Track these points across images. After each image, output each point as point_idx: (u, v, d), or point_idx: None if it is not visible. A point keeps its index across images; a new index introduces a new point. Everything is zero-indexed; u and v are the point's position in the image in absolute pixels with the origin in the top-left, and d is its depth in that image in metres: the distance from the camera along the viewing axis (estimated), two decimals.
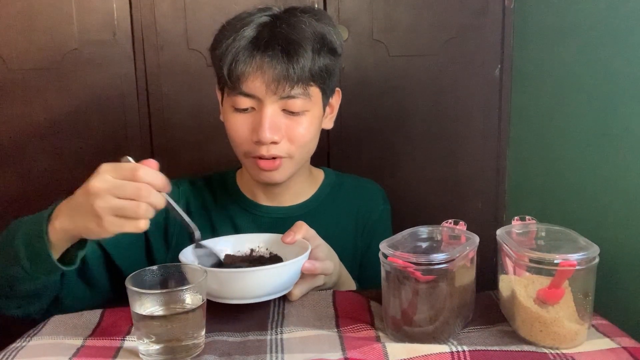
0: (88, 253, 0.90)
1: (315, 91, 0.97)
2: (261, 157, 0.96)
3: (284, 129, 0.96)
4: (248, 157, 0.99)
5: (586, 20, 1.17)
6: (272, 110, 0.94)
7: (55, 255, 0.81)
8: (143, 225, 0.76)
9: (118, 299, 0.92)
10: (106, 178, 0.74)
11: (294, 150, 0.98)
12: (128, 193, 0.74)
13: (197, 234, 0.86)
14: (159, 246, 1.03)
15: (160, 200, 0.76)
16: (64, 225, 0.79)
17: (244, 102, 0.95)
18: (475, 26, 1.46)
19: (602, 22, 1.12)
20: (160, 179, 0.76)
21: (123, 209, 0.74)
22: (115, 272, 0.99)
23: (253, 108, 0.96)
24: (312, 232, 0.91)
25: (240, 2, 1.39)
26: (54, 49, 1.40)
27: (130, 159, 0.79)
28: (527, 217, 0.83)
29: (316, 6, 1.42)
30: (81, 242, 0.83)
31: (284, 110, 0.96)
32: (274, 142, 0.95)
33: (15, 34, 1.39)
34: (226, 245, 0.94)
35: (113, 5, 1.40)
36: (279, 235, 0.91)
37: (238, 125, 0.97)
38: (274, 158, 0.97)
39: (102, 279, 0.98)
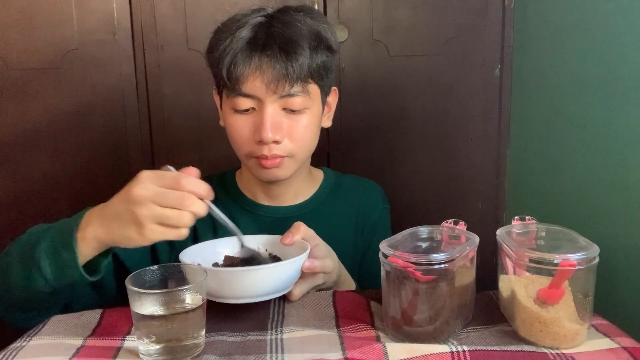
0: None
1: (314, 88, 0.98)
2: (263, 157, 0.97)
3: (285, 128, 0.96)
4: (250, 158, 0.99)
5: (586, 20, 1.17)
6: (272, 110, 0.95)
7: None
8: (184, 233, 0.76)
9: (124, 301, 0.92)
10: (148, 186, 0.74)
11: (295, 149, 0.98)
12: (171, 202, 0.74)
13: (241, 236, 0.88)
14: (164, 247, 1.03)
15: (202, 208, 0.76)
16: (97, 233, 0.78)
17: (244, 103, 0.95)
18: (475, 26, 1.46)
19: (602, 22, 1.12)
20: (203, 188, 0.76)
21: (167, 218, 0.74)
22: (121, 276, 0.98)
23: (253, 108, 0.96)
24: (311, 232, 0.91)
25: (240, 2, 1.39)
26: (54, 49, 1.40)
27: (171, 167, 0.78)
28: (527, 217, 0.83)
29: (316, 6, 1.42)
30: (104, 251, 0.82)
31: (284, 109, 0.96)
32: (276, 142, 0.95)
33: (15, 34, 1.39)
34: (225, 246, 0.94)
35: (113, 5, 1.40)
36: (279, 237, 0.91)
37: (239, 127, 0.97)
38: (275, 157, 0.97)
39: (111, 284, 0.97)
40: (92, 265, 0.82)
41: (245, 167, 1.05)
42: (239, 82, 0.94)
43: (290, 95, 0.94)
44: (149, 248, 1.03)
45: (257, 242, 0.96)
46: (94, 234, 0.78)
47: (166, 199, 0.74)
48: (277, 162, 0.97)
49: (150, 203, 0.73)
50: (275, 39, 0.93)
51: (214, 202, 1.08)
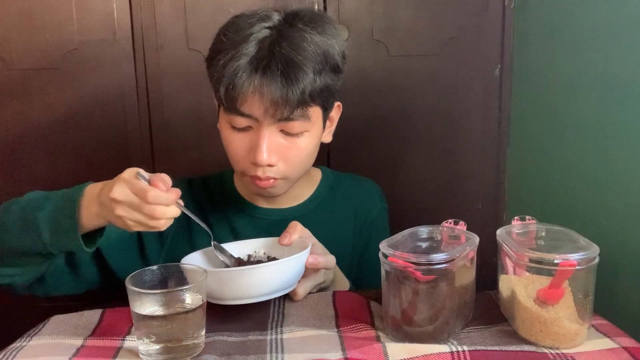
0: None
1: (315, 111, 0.94)
2: (257, 178, 0.95)
3: (281, 150, 0.93)
4: (245, 175, 0.97)
5: (586, 20, 1.17)
6: (269, 132, 0.92)
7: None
8: (163, 226, 0.79)
9: (109, 291, 0.97)
10: (125, 191, 0.77)
11: (289, 171, 0.96)
12: (144, 212, 0.77)
13: (210, 232, 0.90)
14: (154, 245, 1.03)
15: (174, 212, 0.79)
16: (97, 210, 0.81)
17: (242, 122, 0.92)
18: (475, 26, 1.46)
19: (602, 22, 1.12)
20: (168, 200, 0.78)
21: (142, 221, 0.78)
22: (106, 266, 0.99)
23: (250, 127, 0.93)
24: (307, 231, 0.92)
25: (241, 2, 1.39)
26: (54, 49, 1.40)
27: (143, 173, 0.79)
28: (527, 217, 0.83)
29: (316, 6, 1.42)
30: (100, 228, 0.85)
31: (282, 131, 0.93)
32: (270, 165, 0.93)
33: (15, 34, 1.39)
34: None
35: (113, 5, 1.40)
36: (276, 239, 0.91)
37: (235, 144, 0.95)
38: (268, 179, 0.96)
39: (90, 271, 0.98)
40: (88, 238, 0.85)
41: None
42: (237, 102, 0.90)
43: (289, 119, 0.91)
44: (136, 245, 1.03)
45: (255, 246, 0.96)
46: (97, 210, 0.81)
47: (139, 208, 0.77)
48: (269, 184, 0.96)
49: (127, 206, 0.77)
50: (277, 60, 0.88)
51: (210, 204, 1.08)
